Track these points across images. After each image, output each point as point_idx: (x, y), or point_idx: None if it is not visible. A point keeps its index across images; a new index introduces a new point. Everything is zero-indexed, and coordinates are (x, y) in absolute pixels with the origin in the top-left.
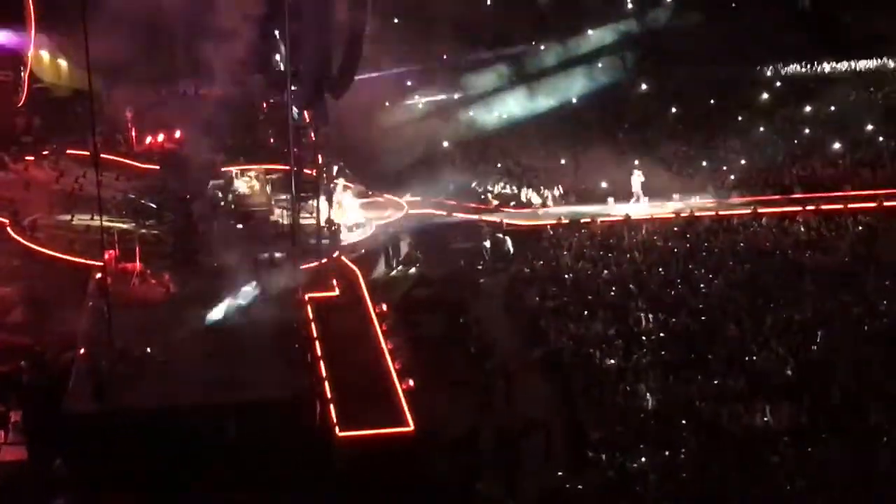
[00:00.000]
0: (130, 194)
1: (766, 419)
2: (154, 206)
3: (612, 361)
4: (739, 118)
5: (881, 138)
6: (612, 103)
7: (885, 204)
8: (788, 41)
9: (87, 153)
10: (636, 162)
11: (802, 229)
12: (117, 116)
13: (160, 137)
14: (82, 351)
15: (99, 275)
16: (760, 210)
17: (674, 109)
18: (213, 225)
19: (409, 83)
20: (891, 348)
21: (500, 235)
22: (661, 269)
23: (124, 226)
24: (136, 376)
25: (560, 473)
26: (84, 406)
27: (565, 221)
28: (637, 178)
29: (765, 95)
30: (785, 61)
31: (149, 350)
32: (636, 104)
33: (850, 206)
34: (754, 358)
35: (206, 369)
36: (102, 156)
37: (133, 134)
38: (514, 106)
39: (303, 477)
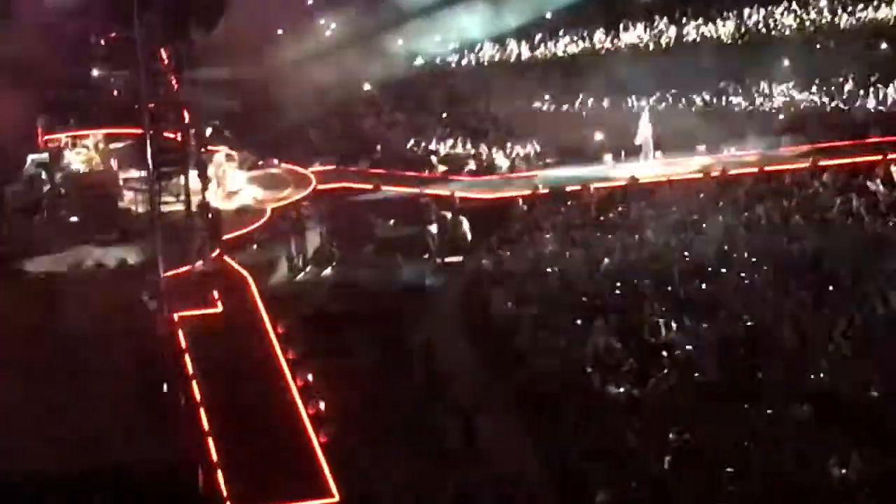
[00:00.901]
0: None
1: (841, 469)
2: None
3: (620, 389)
4: (789, 31)
5: None
6: (605, 18)
7: None
8: None
9: None
10: (642, 103)
11: (882, 188)
12: None
13: None
14: None
15: None
16: (823, 162)
17: (694, 23)
18: (37, 217)
19: (310, 2)
20: None
21: (452, 215)
22: (685, 255)
23: None
24: None
25: None
26: None
27: (544, 191)
28: (644, 125)
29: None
30: None
31: None
32: (639, 17)
33: None
34: (822, 375)
35: (41, 428)
36: None
37: None
38: (466, 28)
39: None
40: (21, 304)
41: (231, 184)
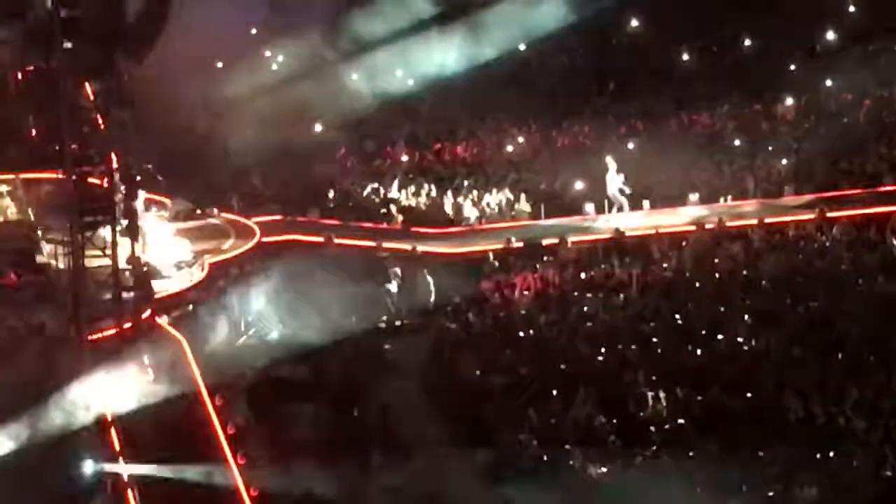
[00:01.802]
0: None
1: None
2: None
3: (603, 469)
4: (793, 67)
5: None
6: (589, 51)
7: None
8: None
9: None
10: (630, 144)
11: None
12: None
13: None
14: None
15: None
16: (831, 214)
17: (685, 57)
18: None
19: (254, 31)
20: None
21: (413, 272)
22: (675, 317)
23: None
24: None
25: None
26: None
27: (518, 245)
28: (613, 173)
29: (830, 34)
30: None
31: None
32: (625, 51)
33: None
34: (831, 455)
35: None
36: None
37: None
38: (427, 62)
39: None
40: None
41: (163, 235)
